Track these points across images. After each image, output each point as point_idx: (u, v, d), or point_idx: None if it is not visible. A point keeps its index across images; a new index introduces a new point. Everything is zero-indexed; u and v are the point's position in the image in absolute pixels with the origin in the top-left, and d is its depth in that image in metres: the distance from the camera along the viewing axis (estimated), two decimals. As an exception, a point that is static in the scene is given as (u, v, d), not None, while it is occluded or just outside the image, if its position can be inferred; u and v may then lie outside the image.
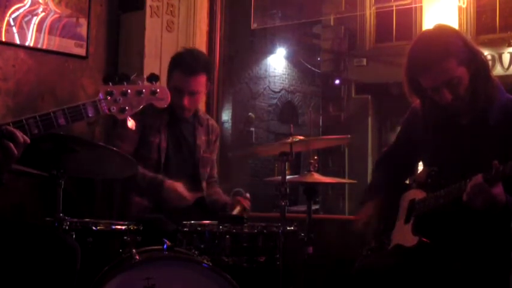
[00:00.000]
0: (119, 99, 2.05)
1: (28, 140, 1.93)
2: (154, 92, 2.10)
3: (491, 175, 2.08)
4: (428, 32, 2.48)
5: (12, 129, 1.91)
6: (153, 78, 2.12)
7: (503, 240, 2.29)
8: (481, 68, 2.34)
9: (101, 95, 2.04)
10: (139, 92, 2.08)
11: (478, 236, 2.30)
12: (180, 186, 3.15)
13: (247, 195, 3.32)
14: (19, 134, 1.91)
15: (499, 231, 2.29)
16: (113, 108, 2.05)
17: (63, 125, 1.98)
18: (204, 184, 3.43)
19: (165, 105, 2.14)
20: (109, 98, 2.04)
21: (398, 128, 2.79)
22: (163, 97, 2.11)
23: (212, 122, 3.60)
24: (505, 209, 2.16)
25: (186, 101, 3.26)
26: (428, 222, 2.38)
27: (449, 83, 2.29)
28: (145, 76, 2.14)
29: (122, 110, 2.06)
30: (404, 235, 2.44)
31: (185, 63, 3.30)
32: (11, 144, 1.89)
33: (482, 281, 2.23)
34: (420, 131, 2.53)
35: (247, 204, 3.29)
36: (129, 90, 2.06)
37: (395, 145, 2.74)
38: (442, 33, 2.38)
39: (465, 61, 2.30)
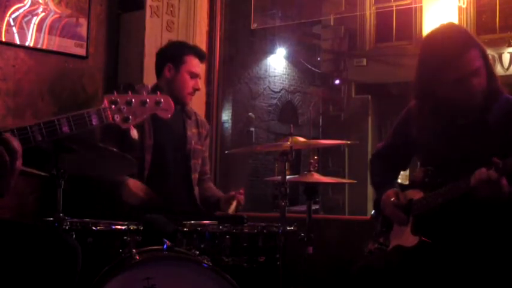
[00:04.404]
0: (123, 108, 2.04)
1: (20, 147, 1.86)
2: (158, 103, 2.09)
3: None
4: (441, 28, 2.42)
5: (9, 136, 1.86)
6: (158, 88, 2.12)
7: (504, 238, 2.29)
8: (489, 65, 2.35)
9: (105, 104, 2.03)
10: (144, 102, 2.08)
11: (479, 234, 2.29)
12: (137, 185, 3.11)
13: (241, 191, 3.32)
14: (15, 143, 1.84)
15: (500, 229, 2.29)
16: (117, 117, 2.04)
17: (66, 132, 1.97)
18: (194, 176, 3.42)
19: (169, 116, 2.13)
20: (113, 106, 2.03)
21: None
22: (167, 108, 2.11)
23: (200, 117, 3.61)
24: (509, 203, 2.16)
25: (199, 84, 3.42)
26: (428, 221, 2.37)
27: (476, 73, 2.28)
28: (149, 86, 2.15)
29: (126, 119, 2.05)
30: (403, 235, 2.44)
31: (198, 49, 3.51)
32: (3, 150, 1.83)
33: (484, 281, 2.22)
34: (417, 131, 2.51)
35: (241, 198, 3.29)
36: (133, 100, 2.06)
37: (391, 142, 2.72)
38: (457, 27, 2.38)
39: (482, 54, 2.31)
